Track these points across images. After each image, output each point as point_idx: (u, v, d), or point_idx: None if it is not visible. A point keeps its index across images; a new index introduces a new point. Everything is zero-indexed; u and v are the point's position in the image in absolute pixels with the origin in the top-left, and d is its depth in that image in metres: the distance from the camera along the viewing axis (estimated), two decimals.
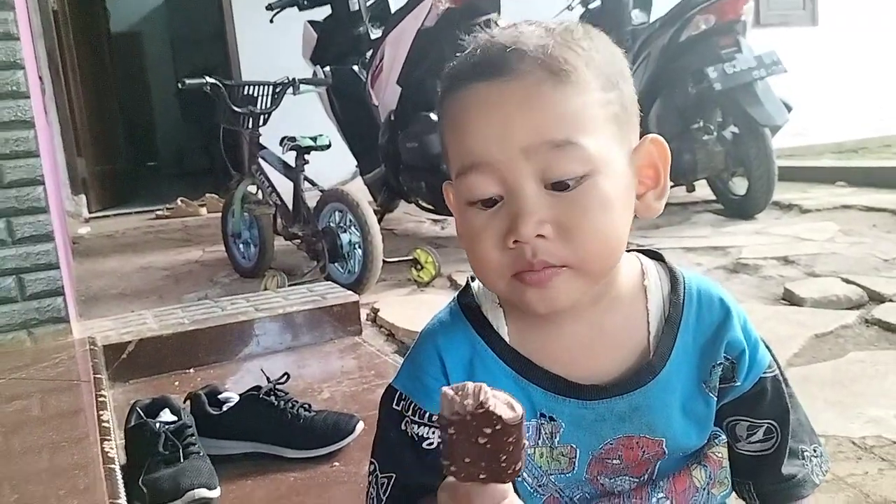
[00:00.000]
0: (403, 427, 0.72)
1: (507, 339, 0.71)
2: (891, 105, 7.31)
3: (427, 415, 0.71)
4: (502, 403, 0.53)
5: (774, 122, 3.62)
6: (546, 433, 0.70)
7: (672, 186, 3.18)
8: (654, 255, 0.77)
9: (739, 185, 3.96)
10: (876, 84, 7.58)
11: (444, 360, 0.71)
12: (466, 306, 0.74)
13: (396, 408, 0.73)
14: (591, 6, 4.75)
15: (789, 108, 3.71)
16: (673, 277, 0.74)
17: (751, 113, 3.60)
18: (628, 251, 0.75)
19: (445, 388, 0.54)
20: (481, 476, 0.54)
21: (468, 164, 0.63)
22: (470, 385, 0.53)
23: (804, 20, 7.84)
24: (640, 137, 0.68)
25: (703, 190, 4.23)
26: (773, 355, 0.77)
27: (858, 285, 2.44)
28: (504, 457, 0.54)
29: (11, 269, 1.85)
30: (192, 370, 2.04)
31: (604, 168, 0.62)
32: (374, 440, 0.76)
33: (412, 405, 0.72)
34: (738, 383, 0.73)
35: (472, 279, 0.76)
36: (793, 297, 2.42)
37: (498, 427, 0.53)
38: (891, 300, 2.30)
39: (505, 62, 0.61)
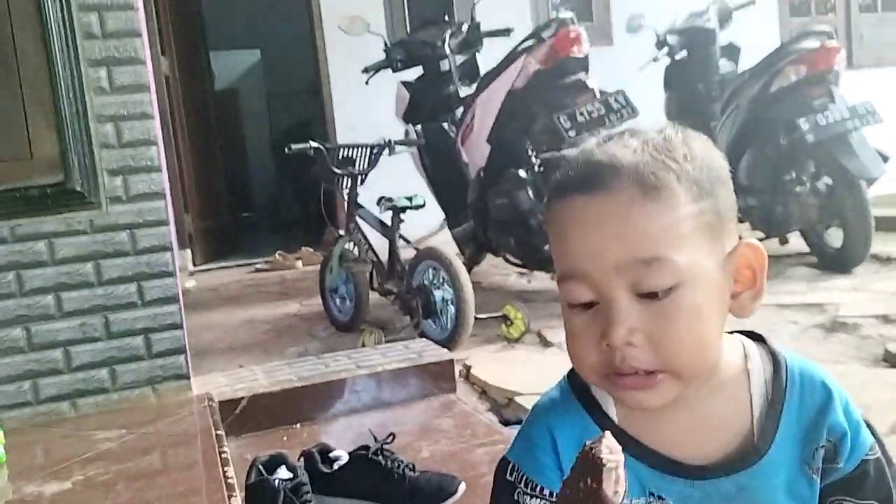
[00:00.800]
0: (516, 497, 0.77)
1: (615, 419, 0.76)
2: None
3: (539, 487, 0.76)
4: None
5: (870, 174, 3.55)
6: None
7: (764, 239, 3.17)
8: (756, 337, 0.80)
9: (835, 238, 3.87)
10: None
11: (555, 437, 0.76)
12: (576, 385, 0.79)
13: (510, 478, 0.78)
14: (677, 57, 4.78)
15: (886, 159, 3.63)
16: (775, 360, 0.77)
17: (845, 164, 3.54)
18: (731, 332, 0.79)
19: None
20: None
21: (567, 273, 0.69)
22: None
23: None
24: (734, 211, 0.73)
25: (797, 242, 4.15)
26: (876, 436, 0.78)
27: None
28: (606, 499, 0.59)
29: (141, 329, 2.01)
30: (298, 425, 2.16)
31: (693, 278, 0.66)
32: None
33: (524, 477, 0.77)
34: (840, 465, 0.75)
35: None
36: (893, 359, 2.36)
37: (595, 487, 0.59)
38: None
39: (601, 179, 0.67)
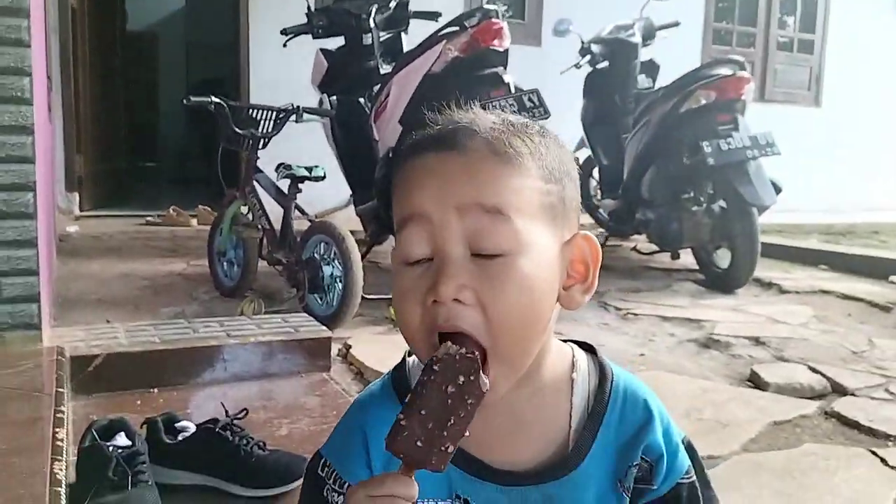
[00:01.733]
0: (324, 494, 0.75)
1: None
2: (883, 191, 7.42)
3: (346, 484, 0.74)
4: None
5: (762, 203, 3.69)
6: None
7: (657, 252, 3.24)
8: (588, 348, 0.80)
9: (723, 258, 4.01)
10: (871, 169, 7.70)
11: (367, 433, 0.74)
12: (397, 380, 0.77)
13: (321, 473, 0.76)
14: (598, 66, 4.84)
15: (779, 190, 3.78)
16: (602, 373, 0.77)
17: (740, 191, 3.67)
18: (564, 341, 0.78)
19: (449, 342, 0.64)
20: (418, 443, 0.62)
21: (406, 217, 0.67)
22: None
23: (808, 100, 8.00)
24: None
25: (687, 258, 4.28)
26: (696, 459, 0.79)
27: (823, 375, 2.47)
28: (451, 423, 0.62)
29: None
30: (155, 390, 2.05)
31: (528, 249, 0.66)
32: (298, 500, 0.79)
33: (334, 473, 0.75)
34: (655, 487, 0.75)
35: (409, 354, 0.79)
36: (758, 380, 2.45)
37: (472, 379, 0.62)
38: (853, 394, 2.33)
39: (456, 138, 0.66)
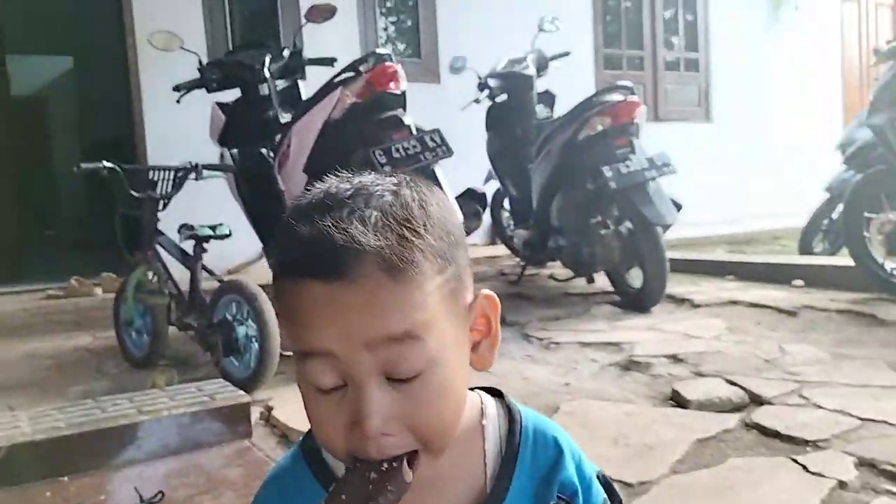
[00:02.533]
0: None
1: None
2: (780, 198, 7.79)
3: None
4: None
5: (664, 221, 3.80)
6: None
7: (573, 277, 3.28)
8: (494, 392, 0.79)
9: (636, 278, 4.11)
10: (766, 178, 8.08)
11: None
12: (308, 450, 0.74)
13: None
14: (497, 100, 4.94)
15: (679, 207, 3.90)
16: (511, 416, 0.76)
17: (643, 211, 3.78)
18: (471, 389, 0.77)
19: None
20: None
21: (308, 351, 0.63)
22: None
23: (699, 116, 8.37)
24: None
25: (602, 280, 4.37)
26: (610, 489, 0.79)
27: (740, 386, 2.54)
28: None
29: None
30: (66, 478, 1.94)
31: (442, 355, 0.64)
32: None
33: None
34: None
35: None
36: (679, 398, 2.50)
37: (395, 466, 0.62)
38: (769, 403, 2.40)
39: (342, 265, 0.60)
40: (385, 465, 0.63)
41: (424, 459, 0.65)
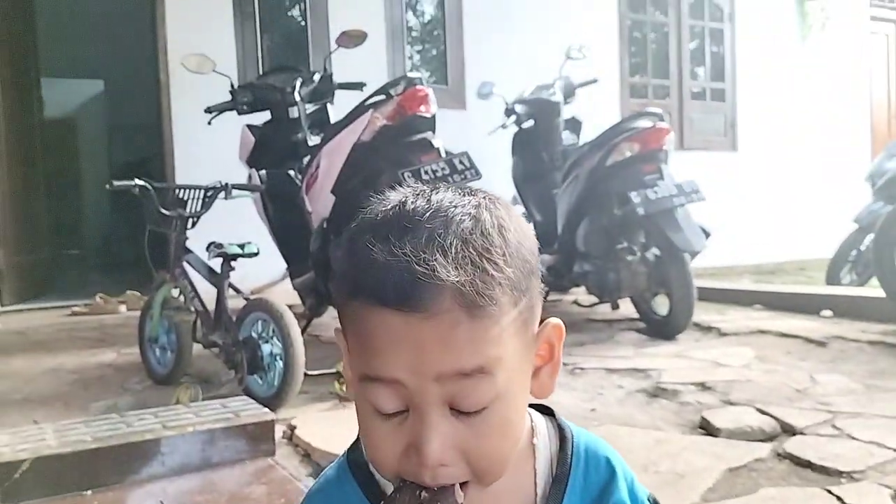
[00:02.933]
0: None
1: None
2: (805, 228, 7.71)
3: None
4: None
5: (692, 248, 3.77)
6: None
7: (597, 303, 3.25)
8: (545, 410, 0.78)
9: (661, 305, 4.07)
10: (792, 208, 8.02)
11: None
12: (354, 463, 0.73)
13: None
14: (524, 126, 4.95)
15: (707, 234, 3.87)
16: (562, 435, 0.75)
17: (671, 238, 3.74)
18: None
19: None
20: None
21: (375, 377, 0.61)
22: None
23: (725, 146, 8.33)
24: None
25: (627, 307, 4.33)
26: None
27: (772, 416, 2.49)
28: None
29: None
30: (89, 492, 1.93)
31: (509, 389, 0.62)
32: None
33: None
34: None
35: None
36: (709, 426, 2.45)
37: (445, 486, 0.62)
38: (802, 433, 2.35)
39: (420, 299, 0.58)
40: (436, 486, 0.62)
41: (476, 488, 0.65)
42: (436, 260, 0.58)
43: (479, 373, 0.60)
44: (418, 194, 0.65)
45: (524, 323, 0.64)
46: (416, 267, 0.58)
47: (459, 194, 0.65)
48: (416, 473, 0.62)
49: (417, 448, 0.61)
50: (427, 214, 0.62)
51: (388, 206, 0.64)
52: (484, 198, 0.66)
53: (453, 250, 0.59)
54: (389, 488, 0.70)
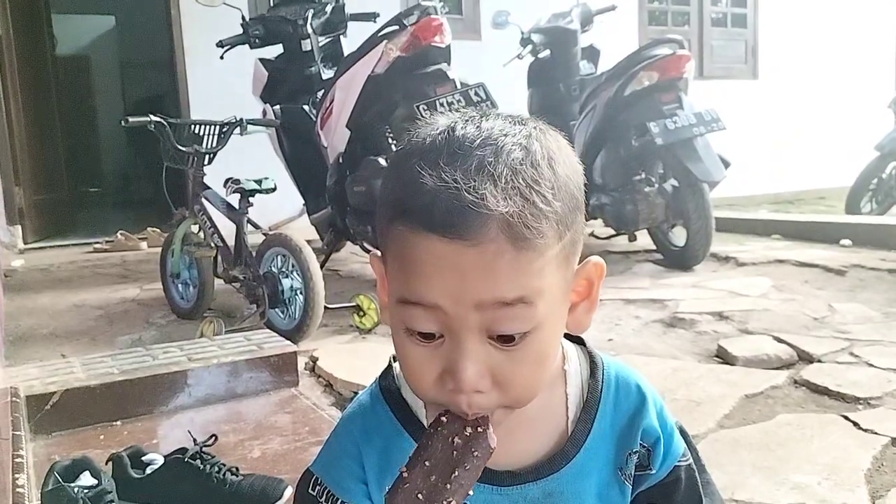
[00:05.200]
0: None
1: (425, 422, 0.72)
2: (826, 157, 7.60)
3: (340, 502, 0.72)
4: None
5: (712, 178, 3.73)
6: None
7: (615, 235, 3.25)
8: (576, 339, 0.78)
9: (679, 237, 4.06)
10: (813, 136, 7.88)
11: (360, 445, 0.72)
12: (386, 389, 0.75)
13: (312, 493, 0.74)
14: (540, 56, 4.85)
15: (727, 164, 3.82)
16: (592, 363, 0.76)
17: (690, 168, 3.70)
18: None
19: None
20: (419, 496, 0.61)
21: (413, 301, 0.61)
22: None
23: (745, 74, 8.14)
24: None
25: (644, 239, 4.32)
26: (689, 442, 0.78)
27: (789, 344, 2.50)
28: (455, 476, 0.61)
29: None
30: (119, 422, 1.98)
31: (547, 321, 0.62)
32: None
33: (326, 491, 0.73)
34: (654, 471, 0.75)
35: (395, 359, 0.76)
36: (726, 355, 2.47)
37: (480, 431, 0.62)
38: (819, 361, 2.36)
39: (467, 226, 0.58)
40: (469, 430, 0.62)
41: (508, 413, 0.66)
42: (486, 189, 0.58)
43: (519, 303, 0.60)
44: (468, 120, 0.64)
45: (566, 258, 0.64)
46: (466, 195, 0.58)
47: (510, 122, 0.64)
48: (451, 399, 0.63)
49: (453, 373, 0.61)
50: (477, 142, 0.61)
51: (437, 131, 0.63)
52: (534, 128, 0.64)
53: (503, 180, 0.59)
54: (422, 413, 0.72)
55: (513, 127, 0.63)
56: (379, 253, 0.68)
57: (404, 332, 0.63)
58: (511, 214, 0.58)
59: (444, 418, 0.63)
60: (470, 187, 0.58)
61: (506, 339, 0.61)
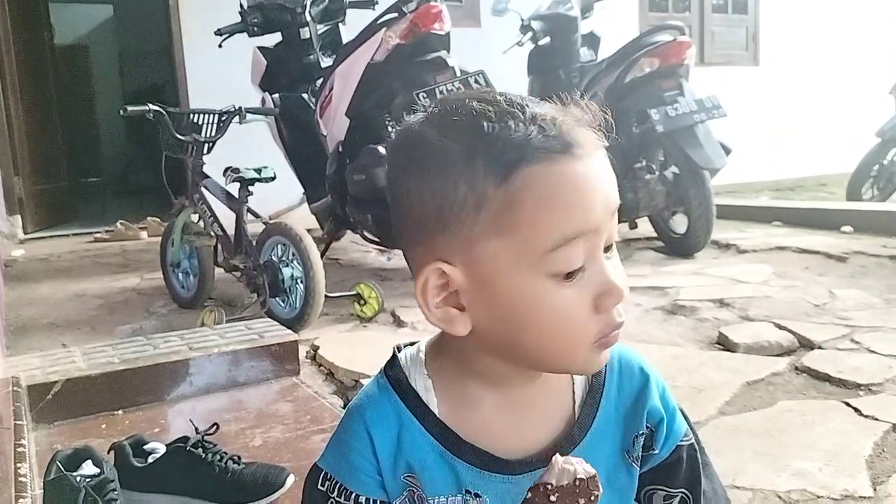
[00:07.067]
0: None
1: (435, 411, 0.71)
2: (827, 144, 7.58)
3: (353, 495, 0.71)
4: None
5: (713, 166, 3.72)
6: None
7: None
8: None
9: (680, 224, 4.05)
10: (813, 123, 7.85)
11: (372, 436, 0.71)
12: (394, 378, 0.73)
13: (321, 488, 0.72)
14: (540, 43, 4.83)
15: (728, 151, 3.81)
16: None
17: (691, 155, 3.69)
18: None
19: (557, 457, 0.61)
20: None
21: (574, 233, 0.61)
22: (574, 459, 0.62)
23: (747, 60, 8.11)
24: None
25: (645, 226, 4.31)
26: (689, 423, 0.79)
27: (790, 331, 2.50)
28: None
29: None
30: (120, 412, 1.98)
31: None
32: None
33: (338, 485, 0.72)
34: (657, 452, 0.75)
35: (399, 349, 0.76)
36: (727, 342, 2.47)
37: (592, 499, 0.60)
38: (820, 347, 2.36)
39: (585, 138, 0.63)
40: (566, 482, 0.60)
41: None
42: (571, 116, 0.64)
43: (617, 207, 0.66)
44: (477, 95, 0.66)
45: None
46: (564, 116, 0.63)
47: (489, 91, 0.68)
48: (610, 321, 0.65)
49: (609, 287, 0.64)
50: (505, 102, 0.64)
51: (467, 101, 0.64)
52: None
53: (574, 110, 0.65)
54: (433, 402, 0.71)
55: (515, 95, 0.67)
56: (441, 266, 0.64)
57: (551, 282, 0.62)
58: (596, 123, 0.65)
59: (554, 495, 0.60)
60: (559, 110, 0.64)
61: (608, 249, 0.66)
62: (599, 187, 0.63)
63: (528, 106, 0.63)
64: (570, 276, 0.62)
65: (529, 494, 0.60)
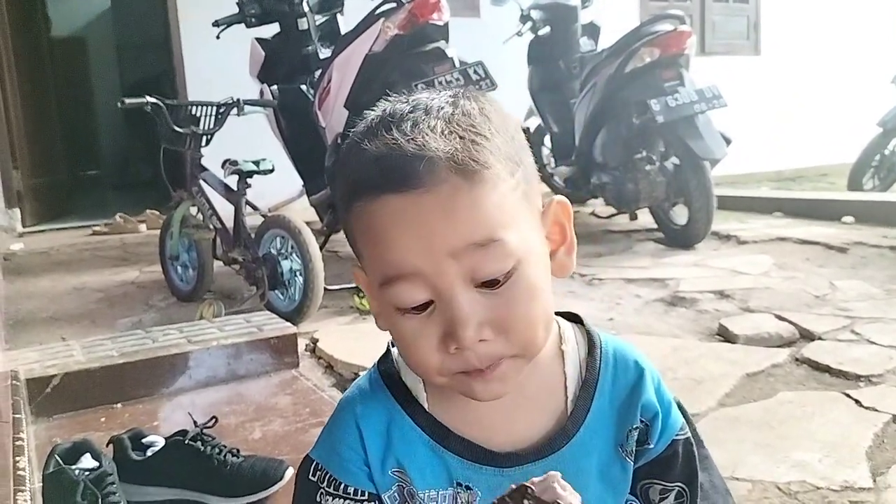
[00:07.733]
0: (318, 499, 0.72)
1: (425, 405, 0.72)
2: (828, 134, 7.56)
3: (342, 486, 0.72)
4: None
5: (713, 156, 3.71)
6: (462, 502, 0.71)
7: (615, 214, 3.24)
8: (573, 318, 0.78)
9: (680, 215, 4.04)
10: (815, 113, 7.83)
11: (361, 429, 0.72)
12: (385, 373, 0.74)
13: (312, 479, 0.73)
14: (540, 33, 4.81)
15: (728, 141, 3.80)
16: (590, 340, 0.76)
17: (691, 146, 3.68)
18: None
19: (556, 474, 0.58)
20: None
21: (394, 275, 0.61)
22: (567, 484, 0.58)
23: (748, 50, 8.08)
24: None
25: (645, 218, 4.30)
26: (686, 416, 0.78)
27: (790, 322, 2.50)
28: None
29: None
30: (119, 405, 1.98)
31: (526, 254, 0.63)
32: None
33: (328, 476, 0.72)
34: (652, 446, 0.74)
35: (393, 344, 0.75)
36: (727, 333, 2.46)
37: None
38: (820, 338, 2.36)
39: (416, 174, 0.59)
40: (547, 499, 0.57)
41: (519, 363, 0.65)
42: (425, 137, 0.60)
43: (490, 241, 0.60)
44: (397, 100, 0.66)
45: (524, 194, 0.64)
46: (407, 146, 0.60)
47: (437, 91, 0.67)
48: (460, 361, 0.63)
49: (452, 332, 0.61)
50: (408, 109, 0.63)
51: (373, 115, 0.65)
52: (461, 91, 0.67)
53: (438, 129, 0.61)
54: (423, 397, 0.72)
55: (439, 93, 0.66)
56: (356, 270, 0.69)
57: (395, 313, 0.64)
58: (455, 150, 0.60)
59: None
60: (409, 139, 0.60)
61: (491, 283, 0.61)
62: (425, 228, 0.59)
63: (401, 125, 0.61)
64: (417, 309, 0.62)
65: (512, 487, 0.59)
